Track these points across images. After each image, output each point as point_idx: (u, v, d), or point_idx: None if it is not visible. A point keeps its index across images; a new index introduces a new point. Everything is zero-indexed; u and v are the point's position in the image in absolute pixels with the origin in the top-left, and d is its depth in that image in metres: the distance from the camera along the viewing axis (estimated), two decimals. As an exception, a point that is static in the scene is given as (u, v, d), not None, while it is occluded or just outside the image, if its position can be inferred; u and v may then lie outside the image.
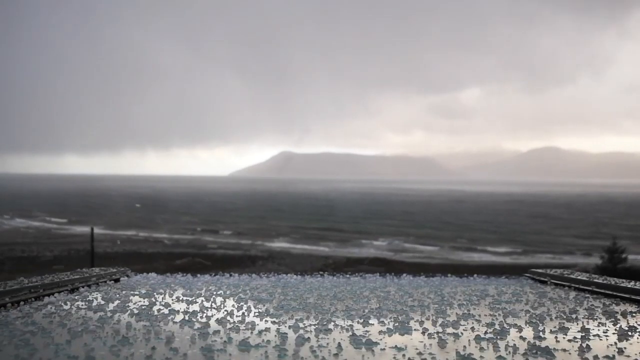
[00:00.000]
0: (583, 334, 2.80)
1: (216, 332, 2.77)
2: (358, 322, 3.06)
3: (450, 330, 2.86)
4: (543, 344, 2.55)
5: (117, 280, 4.83)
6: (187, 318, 3.10)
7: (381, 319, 3.13)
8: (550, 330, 2.89)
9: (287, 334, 2.73)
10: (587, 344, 2.55)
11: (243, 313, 3.31)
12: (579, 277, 4.66)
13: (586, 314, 3.39)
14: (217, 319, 3.12)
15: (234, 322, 3.03)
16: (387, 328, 2.90)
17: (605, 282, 4.28)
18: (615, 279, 4.49)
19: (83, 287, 4.29)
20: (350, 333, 2.77)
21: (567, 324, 3.04)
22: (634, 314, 3.38)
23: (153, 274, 5.17)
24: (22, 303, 3.49)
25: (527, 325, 2.99)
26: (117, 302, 3.65)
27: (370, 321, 3.09)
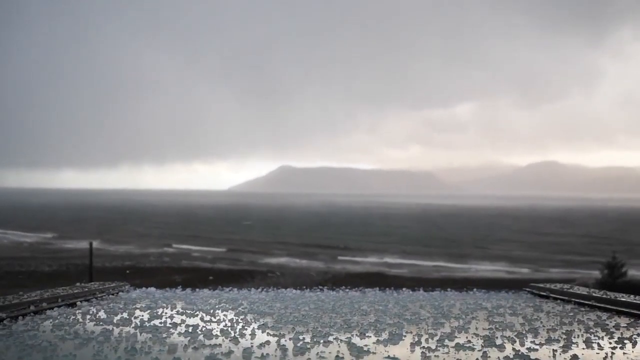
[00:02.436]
0: (578, 347, 2.84)
1: (217, 345, 2.80)
2: (356, 335, 3.11)
3: (446, 342, 2.91)
4: (537, 357, 2.58)
5: (116, 295, 4.83)
6: (188, 331, 3.12)
7: (379, 332, 3.19)
8: (546, 343, 2.93)
9: (286, 346, 2.78)
10: (581, 357, 2.58)
11: (243, 326, 3.34)
12: (578, 292, 4.67)
13: (583, 327, 3.41)
14: (218, 331, 3.15)
15: (235, 334, 3.06)
16: (385, 340, 2.96)
17: (604, 296, 4.30)
18: (614, 293, 4.50)
19: (82, 301, 4.29)
20: (348, 345, 2.82)
21: (563, 338, 3.07)
22: (628, 327, 3.40)
23: (152, 289, 5.17)
24: (20, 318, 3.49)
25: (523, 338, 3.03)
26: (118, 315, 3.66)
27: (368, 334, 3.15)
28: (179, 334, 3.08)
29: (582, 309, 4.16)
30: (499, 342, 2.90)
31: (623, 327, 3.40)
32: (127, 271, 34.12)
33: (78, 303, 4.22)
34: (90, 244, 15.26)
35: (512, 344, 2.87)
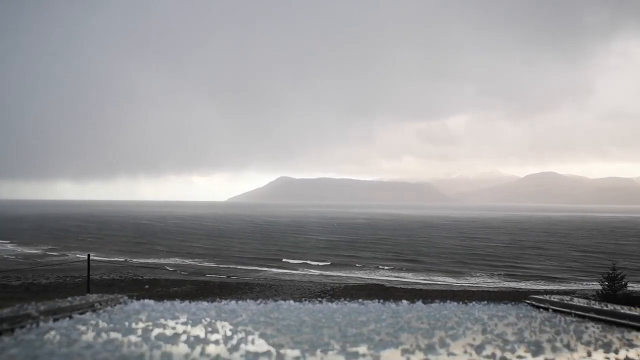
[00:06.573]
0: (573, 359, 2.85)
1: (217, 356, 2.80)
2: (353, 346, 3.14)
3: (439, 352, 2.95)
4: None
5: (114, 307, 4.81)
6: (187, 342, 3.12)
7: (375, 342, 3.22)
8: (540, 354, 2.95)
9: (285, 356, 2.81)
10: None
11: (242, 337, 3.34)
12: (578, 304, 4.67)
13: (580, 339, 3.41)
14: (217, 342, 3.15)
15: (234, 345, 3.07)
16: (380, 350, 3.01)
17: (604, 308, 4.29)
18: (614, 305, 4.49)
19: (81, 313, 4.27)
20: (345, 356, 2.86)
21: (558, 349, 3.09)
22: (627, 340, 3.40)
23: (150, 301, 5.14)
24: (18, 330, 3.47)
25: (516, 349, 3.06)
26: (116, 327, 3.65)
27: (365, 344, 3.18)
28: (179, 345, 3.08)
29: (581, 320, 4.15)
30: (490, 352, 2.94)
31: (621, 339, 3.40)
32: (122, 284, 33.98)
33: (77, 315, 4.20)
34: (88, 257, 15.23)
35: (504, 355, 2.91)
